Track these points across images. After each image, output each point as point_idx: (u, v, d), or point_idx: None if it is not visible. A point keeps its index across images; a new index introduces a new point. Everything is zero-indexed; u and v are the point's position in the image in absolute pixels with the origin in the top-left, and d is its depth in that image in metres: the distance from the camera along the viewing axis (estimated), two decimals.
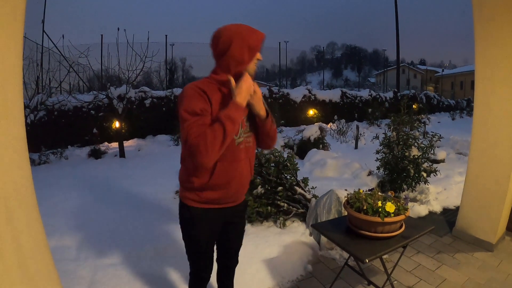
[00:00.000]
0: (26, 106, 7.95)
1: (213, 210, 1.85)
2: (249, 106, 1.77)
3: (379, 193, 2.36)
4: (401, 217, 2.17)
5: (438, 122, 17.22)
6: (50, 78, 9.36)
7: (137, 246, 3.33)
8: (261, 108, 1.79)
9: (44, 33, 11.15)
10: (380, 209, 2.15)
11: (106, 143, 10.07)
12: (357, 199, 2.30)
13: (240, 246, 2.15)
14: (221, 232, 1.99)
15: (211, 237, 1.94)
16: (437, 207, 4.68)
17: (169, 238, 3.51)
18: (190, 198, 1.82)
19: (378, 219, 2.11)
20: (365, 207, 2.19)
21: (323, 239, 3.45)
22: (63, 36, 8.59)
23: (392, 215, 2.13)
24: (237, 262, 2.21)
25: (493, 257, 3.36)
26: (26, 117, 7.80)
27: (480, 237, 3.59)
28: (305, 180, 4.28)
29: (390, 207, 2.14)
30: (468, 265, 3.21)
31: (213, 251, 2.01)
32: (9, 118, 1.37)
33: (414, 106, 17.92)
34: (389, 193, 2.41)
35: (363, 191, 2.39)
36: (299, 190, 4.07)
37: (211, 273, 2.04)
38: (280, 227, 3.77)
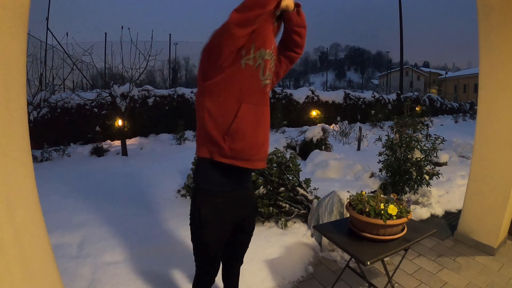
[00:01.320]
0: (29, 103, 7.98)
1: (229, 193, 1.80)
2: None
3: (382, 195, 2.36)
4: (403, 219, 2.16)
5: (441, 125, 17.18)
6: (53, 76, 9.37)
7: (138, 245, 3.33)
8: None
9: (48, 31, 11.16)
10: (382, 212, 2.14)
11: (108, 141, 10.08)
12: (360, 201, 2.29)
13: (246, 249, 2.14)
14: (230, 236, 1.96)
15: (221, 240, 1.90)
16: (439, 210, 4.67)
17: (171, 236, 3.50)
18: (214, 151, 1.68)
19: (380, 222, 2.10)
20: (367, 209, 2.19)
21: (325, 240, 3.45)
22: (67, 33, 8.61)
23: (394, 217, 2.13)
24: (241, 262, 2.20)
25: (494, 261, 3.35)
26: (29, 114, 7.83)
27: (482, 241, 3.58)
28: (307, 181, 4.27)
29: (392, 209, 2.13)
30: (469, 268, 3.20)
31: (221, 254, 1.99)
32: (12, 115, 1.37)
33: (417, 108, 17.88)
34: (392, 196, 2.40)
35: (365, 193, 2.38)
36: (301, 191, 4.07)
37: (216, 275, 2.03)
38: (282, 228, 3.76)
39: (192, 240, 1.90)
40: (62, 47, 8.48)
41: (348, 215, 2.52)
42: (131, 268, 2.93)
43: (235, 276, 2.23)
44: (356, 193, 2.40)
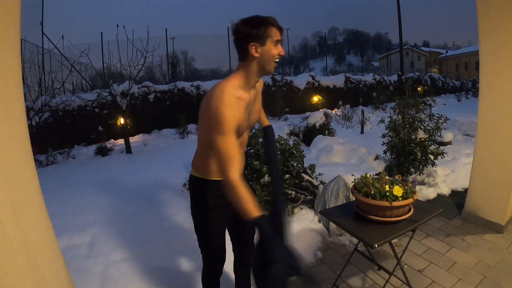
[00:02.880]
0: (30, 108, 7.98)
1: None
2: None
3: (387, 177, 2.35)
4: (409, 200, 2.15)
5: (444, 104, 17.05)
6: (52, 79, 9.35)
7: (148, 240, 3.36)
8: None
9: (43, 35, 11.15)
10: (387, 193, 2.13)
11: (112, 140, 10.09)
12: (365, 184, 2.28)
13: (253, 235, 2.14)
14: (232, 221, 2.00)
15: (222, 225, 1.97)
16: (445, 190, 4.66)
17: (179, 230, 3.53)
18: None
19: (386, 203, 2.10)
20: (372, 192, 2.18)
21: (332, 225, 3.46)
22: (62, 36, 8.60)
23: (400, 199, 2.12)
24: (251, 251, 2.19)
25: (503, 238, 3.34)
26: (31, 119, 7.85)
27: (490, 219, 3.57)
28: (312, 167, 4.27)
29: (397, 191, 2.13)
30: (478, 247, 3.20)
31: (224, 241, 2.01)
32: (11, 121, 1.38)
33: (419, 88, 17.80)
34: (397, 177, 2.39)
35: (370, 175, 2.38)
36: (306, 177, 4.07)
37: (223, 263, 2.04)
38: (289, 215, 3.77)
39: (197, 231, 1.95)
40: (59, 50, 8.46)
41: (353, 198, 2.52)
42: (142, 264, 2.95)
43: (246, 267, 2.24)
44: (361, 176, 2.40)
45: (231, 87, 1.66)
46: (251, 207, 1.50)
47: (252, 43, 1.63)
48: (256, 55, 1.65)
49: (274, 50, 1.67)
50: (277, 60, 1.70)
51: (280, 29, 1.70)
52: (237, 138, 1.65)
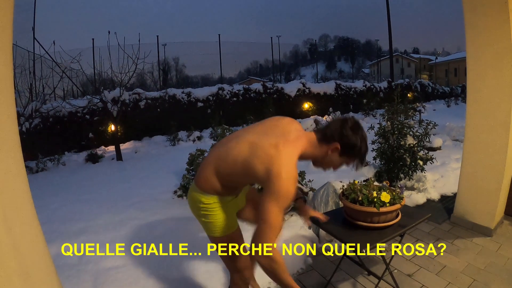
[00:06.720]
0: (21, 114, 7.93)
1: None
2: None
3: (374, 183, 2.38)
4: (397, 206, 2.18)
5: (434, 110, 17.25)
6: (43, 85, 9.34)
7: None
8: None
9: (35, 40, 11.09)
10: (375, 199, 2.16)
11: (102, 147, 10.06)
12: (352, 190, 2.31)
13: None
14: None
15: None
16: (434, 195, 4.71)
17: (171, 237, 3.51)
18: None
19: (374, 209, 2.13)
20: (360, 198, 2.21)
21: (322, 231, 3.48)
22: (54, 42, 8.53)
23: (387, 204, 2.15)
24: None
25: (492, 241, 3.39)
26: (21, 125, 7.79)
27: (479, 223, 3.62)
28: (302, 174, 4.30)
29: (385, 196, 2.16)
30: (468, 251, 3.24)
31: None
32: (2, 127, 1.38)
33: (409, 95, 17.97)
34: (384, 183, 2.42)
35: (358, 182, 2.41)
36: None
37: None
38: None
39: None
40: (50, 56, 8.41)
41: (343, 205, 2.54)
42: (133, 272, 2.94)
43: None
44: (349, 182, 2.43)
45: (297, 155, 1.73)
46: (294, 283, 1.64)
47: (338, 146, 1.76)
48: (330, 153, 1.78)
49: (338, 165, 1.85)
50: (325, 170, 1.92)
51: (360, 164, 1.85)
52: None
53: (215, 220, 1.89)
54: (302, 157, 1.79)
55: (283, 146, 1.66)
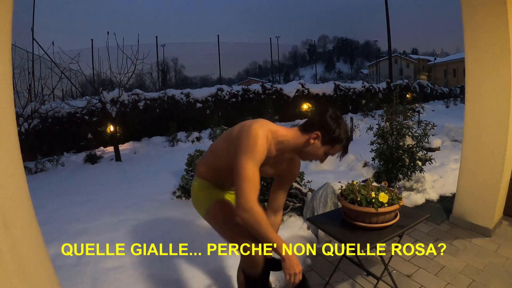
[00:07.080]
0: (19, 115, 7.93)
1: None
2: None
3: (373, 184, 2.38)
4: (395, 206, 2.19)
5: (433, 111, 17.27)
6: (42, 86, 9.34)
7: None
8: None
9: (34, 41, 11.08)
10: (373, 200, 2.17)
11: (101, 148, 10.06)
12: (351, 190, 2.31)
13: None
14: None
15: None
16: (433, 195, 4.72)
17: (171, 237, 3.51)
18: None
19: (372, 210, 2.13)
20: (358, 199, 2.21)
21: (321, 232, 3.47)
22: (53, 42, 8.54)
23: (386, 205, 2.15)
24: None
25: (491, 242, 3.39)
26: (20, 126, 7.79)
27: (477, 223, 3.62)
28: (301, 175, 4.30)
29: (383, 197, 2.16)
30: (466, 251, 3.24)
31: None
32: (1, 128, 1.38)
33: (407, 95, 17.97)
34: (383, 183, 2.42)
35: (356, 182, 2.41)
36: (295, 184, 4.09)
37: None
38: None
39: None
40: (49, 57, 8.41)
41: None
42: (133, 272, 2.94)
43: None
44: (348, 183, 2.43)
45: (269, 130, 1.80)
46: (275, 235, 1.66)
47: (319, 133, 1.78)
48: (311, 141, 1.79)
49: (321, 155, 1.83)
50: (311, 161, 1.92)
51: (344, 152, 1.86)
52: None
53: (201, 196, 2.07)
54: (284, 146, 1.86)
55: (256, 122, 1.78)
